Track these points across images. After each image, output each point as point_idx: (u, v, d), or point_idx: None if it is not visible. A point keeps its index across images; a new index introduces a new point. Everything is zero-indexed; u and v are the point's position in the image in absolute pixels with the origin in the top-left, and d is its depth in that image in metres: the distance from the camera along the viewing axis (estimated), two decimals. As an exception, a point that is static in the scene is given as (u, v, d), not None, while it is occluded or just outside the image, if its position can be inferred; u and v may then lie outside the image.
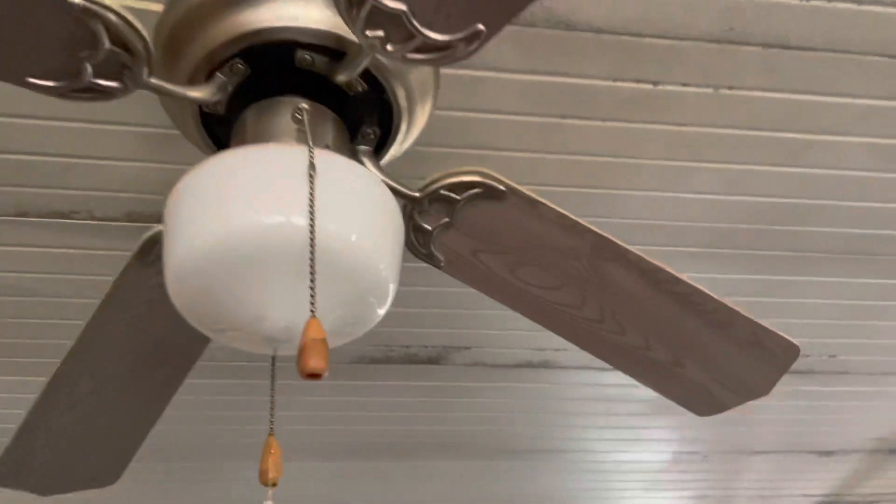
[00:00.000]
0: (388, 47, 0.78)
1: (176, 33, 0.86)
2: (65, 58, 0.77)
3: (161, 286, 1.02)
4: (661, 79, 1.19)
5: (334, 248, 0.72)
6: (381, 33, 0.77)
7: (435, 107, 1.01)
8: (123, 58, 0.77)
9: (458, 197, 0.98)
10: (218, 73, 0.86)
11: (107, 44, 0.76)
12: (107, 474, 1.33)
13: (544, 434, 2.28)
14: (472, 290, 1.67)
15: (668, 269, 1.08)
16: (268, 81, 0.87)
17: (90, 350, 1.12)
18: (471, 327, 1.78)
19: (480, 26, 0.76)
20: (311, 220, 0.68)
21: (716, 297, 1.11)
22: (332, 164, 0.75)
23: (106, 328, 1.10)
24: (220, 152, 0.76)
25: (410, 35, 0.76)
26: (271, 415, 0.82)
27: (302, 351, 0.61)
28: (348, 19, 0.75)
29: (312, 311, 0.64)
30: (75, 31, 0.75)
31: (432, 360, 1.90)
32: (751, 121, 1.28)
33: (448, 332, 1.80)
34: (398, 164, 1.04)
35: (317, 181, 0.71)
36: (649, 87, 1.21)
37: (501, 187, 0.98)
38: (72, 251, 1.45)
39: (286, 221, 0.70)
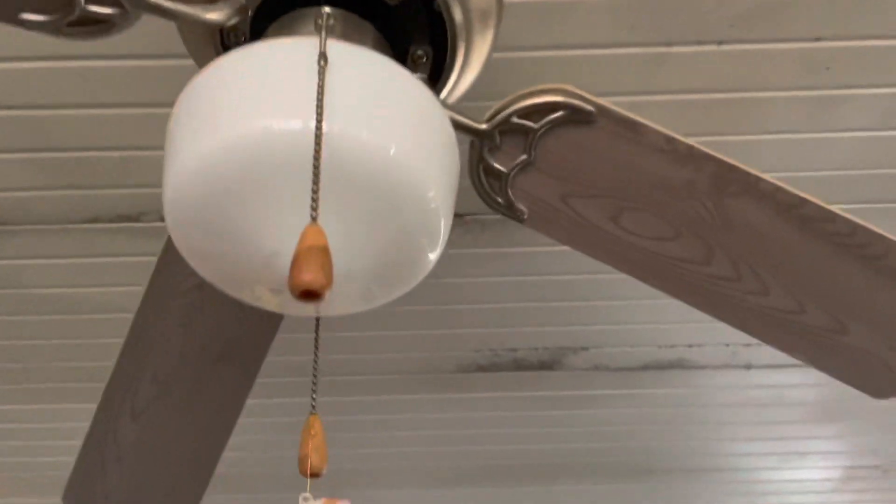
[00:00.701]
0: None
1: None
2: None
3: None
4: (790, -21, 0.97)
5: (366, 160, 0.55)
6: None
7: (500, 28, 0.84)
8: (116, -30, 0.65)
9: (535, 125, 0.80)
10: (235, -9, 0.73)
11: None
12: (186, 495, 1.22)
13: (682, 450, 1.99)
14: (580, 277, 1.47)
15: (817, 201, 0.84)
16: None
17: (144, 348, 1.01)
18: (585, 322, 1.57)
19: None
20: (319, 115, 0.52)
21: (887, 235, 0.86)
22: (358, 57, 0.59)
23: (157, 321, 0.99)
24: (214, 59, 0.62)
25: None
26: (313, 390, 0.66)
27: (294, 262, 0.45)
28: None
29: (314, 216, 0.47)
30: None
31: (545, 366, 1.69)
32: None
33: (560, 330, 1.60)
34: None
35: (333, 74, 0.55)
36: (775, -9, 0.98)
37: (589, 107, 0.78)
38: (143, 258, 1.37)
39: (297, 125, 0.55)
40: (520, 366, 1.67)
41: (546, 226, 0.88)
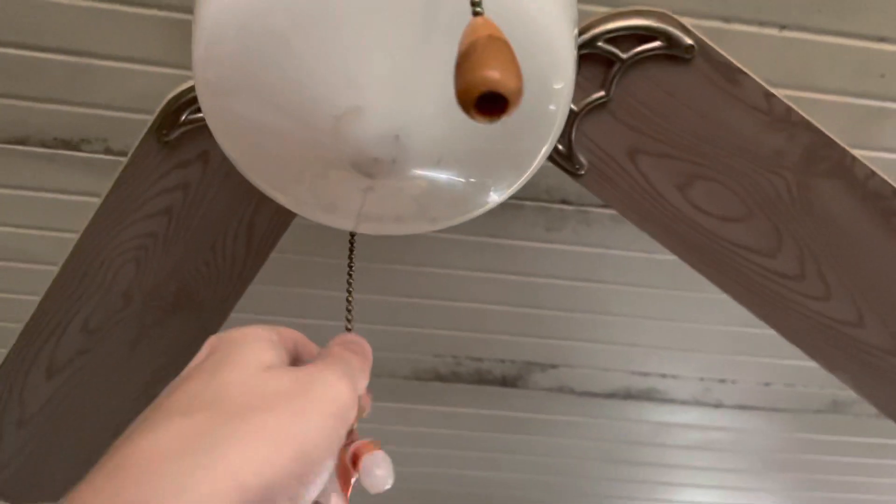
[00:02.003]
0: None
1: None
2: None
3: (185, 187, 0.72)
4: (870, -38, 0.89)
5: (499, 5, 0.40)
6: None
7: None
8: None
9: (622, 55, 0.67)
10: None
11: None
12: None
13: (632, 493, 1.88)
14: (563, 283, 1.35)
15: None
16: None
17: (79, 285, 0.81)
18: (559, 335, 1.44)
19: None
20: None
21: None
22: None
23: (103, 250, 0.79)
24: None
25: None
26: (348, 309, 0.49)
27: (469, 54, 0.29)
28: None
29: (477, 5, 0.31)
30: None
31: (507, 382, 1.55)
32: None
33: (531, 341, 1.46)
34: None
35: None
36: (851, -24, 0.90)
37: (689, 40, 0.66)
38: (80, 197, 1.16)
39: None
40: (482, 379, 1.51)
41: (604, 186, 0.74)
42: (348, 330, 0.49)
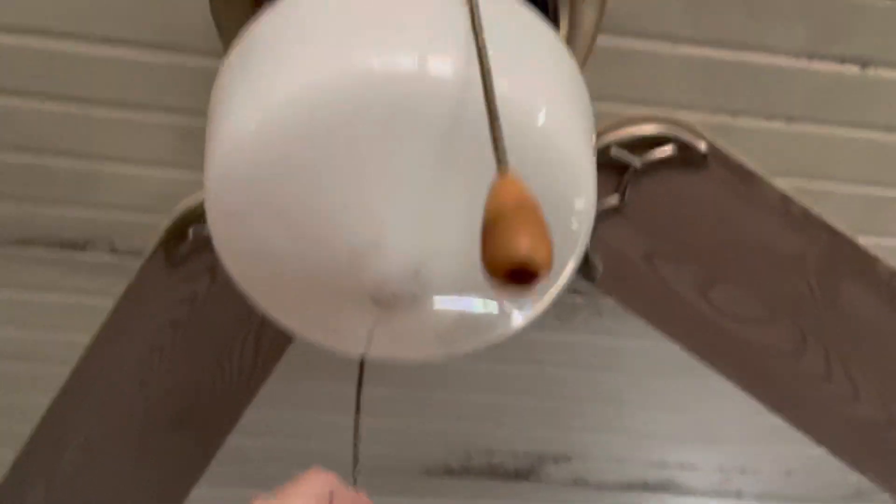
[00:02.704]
0: None
1: None
2: None
3: (192, 299, 0.71)
4: (876, 58, 0.89)
5: (518, 130, 0.39)
6: None
7: (591, 51, 0.72)
8: None
9: (636, 161, 0.66)
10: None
11: None
12: None
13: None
14: (575, 373, 1.32)
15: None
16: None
17: (82, 399, 0.78)
18: (573, 426, 1.40)
19: None
20: (481, 45, 0.36)
21: None
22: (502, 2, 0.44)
23: (107, 368, 0.77)
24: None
25: None
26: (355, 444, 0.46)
27: (497, 222, 0.27)
28: None
29: (502, 163, 0.30)
30: None
31: (520, 475, 1.50)
32: None
33: (544, 434, 1.42)
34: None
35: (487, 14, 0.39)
36: (856, 70, 0.90)
37: (703, 147, 0.66)
38: (84, 298, 1.14)
39: (444, 66, 0.38)
40: (494, 472, 1.46)
41: (622, 289, 0.73)
42: (355, 456, 0.46)
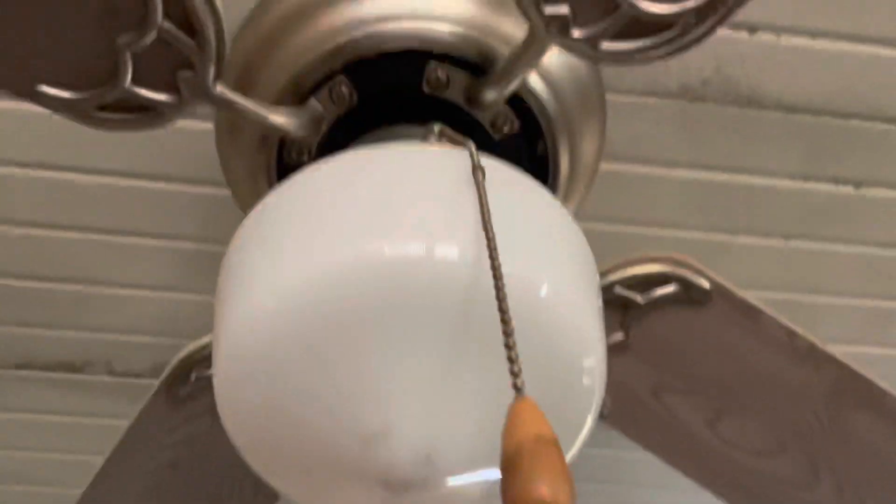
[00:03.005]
0: (575, 32, 0.51)
1: (259, 47, 0.60)
2: (93, 49, 0.52)
3: (192, 440, 0.70)
4: (868, 178, 0.91)
5: (523, 304, 0.40)
6: (565, 9, 0.51)
7: (588, 191, 0.73)
8: (183, 44, 0.51)
9: (639, 299, 0.66)
10: (312, 100, 0.59)
11: (160, 17, 0.50)
12: None
13: None
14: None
15: (946, 424, 0.72)
16: (380, 112, 0.60)
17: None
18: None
19: (724, -15, 0.49)
20: (491, 244, 0.37)
21: None
22: (503, 174, 0.45)
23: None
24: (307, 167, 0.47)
25: (612, 6, 0.50)
26: None
27: (520, 458, 0.27)
28: (518, -10, 0.50)
29: (518, 387, 0.30)
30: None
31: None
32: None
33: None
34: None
35: (489, 193, 0.40)
36: (850, 190, 0.92)
37: (705, 284, 0.66)
38: (82, 419, 1.12)
39: (450, 251, 0.39)
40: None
41: (631, 424, 0.72)
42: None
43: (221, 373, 0.44)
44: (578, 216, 0.94)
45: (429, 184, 0.42)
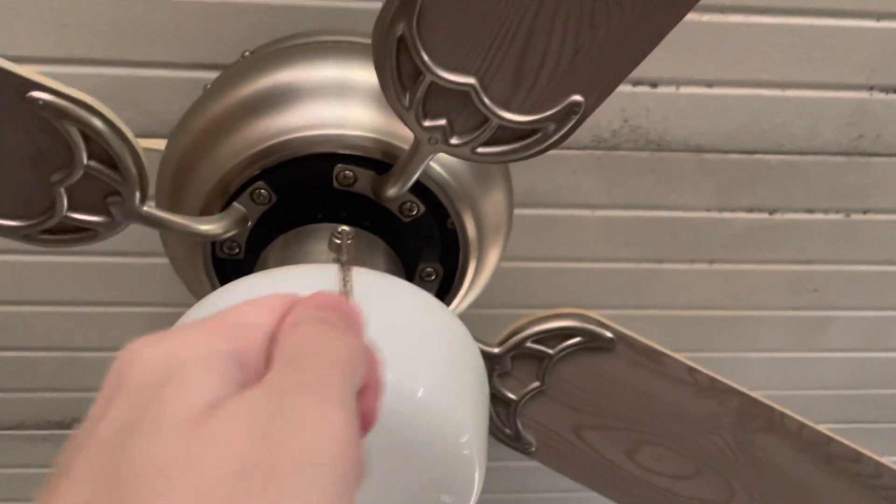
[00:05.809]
0: (454, 140, 0.58)
1: (184, 160, 0.68)
2: (32, 186, 0.59)
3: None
4: (780, 205, 0.98)
5: (403, 405, 0.47)
6: (443, 122, 0.58)
7: (507, 241, 0.80)
8: (108, 177, 0.58)
9: (550, 351, 0.73)
10: (235, 203, 0.66)
11: (84, 158, 0.57)
12: None
13: None
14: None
15: (843, 440, 0.79)
16: (298, 207, 0.67)
17: None
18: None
19: (577, 97, 0.56)
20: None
21: (914, 476, 0.80)
22: (379, 285, 0.52)
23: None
24: (212, 293, 0.54)
25: (482, 119, 0.57)
26: None
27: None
28: (401, 107, 0.56)
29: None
30: (43, 142, 0.57)
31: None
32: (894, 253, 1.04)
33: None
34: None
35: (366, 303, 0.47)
36: (765, 216, 0.99)
37: (608, 334, 0.73)
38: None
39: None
40: None
41: (555, 459, 0.79)
42: None
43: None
44: (508, 258, 1.01)
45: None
